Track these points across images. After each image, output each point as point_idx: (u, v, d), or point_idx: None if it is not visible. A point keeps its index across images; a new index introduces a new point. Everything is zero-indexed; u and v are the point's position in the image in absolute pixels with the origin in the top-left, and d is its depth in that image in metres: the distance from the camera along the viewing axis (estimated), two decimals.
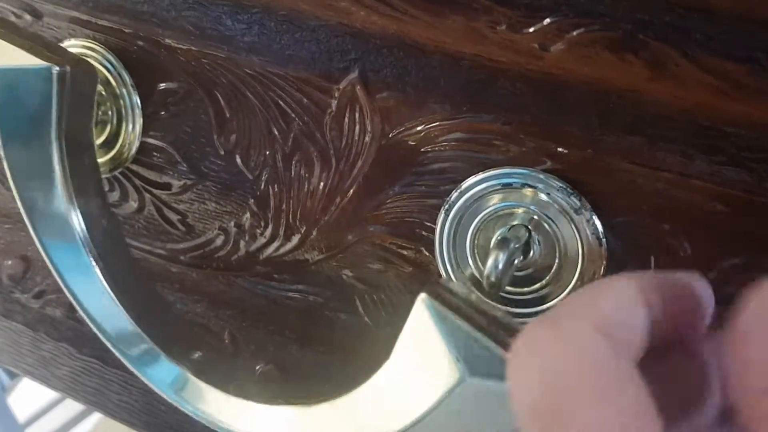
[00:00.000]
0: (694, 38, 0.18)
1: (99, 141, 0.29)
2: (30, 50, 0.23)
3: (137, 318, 0.24)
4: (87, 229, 0.26)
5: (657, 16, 0.18)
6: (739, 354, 0.12)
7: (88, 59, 0.28)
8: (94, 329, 0.25)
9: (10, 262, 0.35)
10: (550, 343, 0.12)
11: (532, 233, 0.23)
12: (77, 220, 0.26)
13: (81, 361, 0.35)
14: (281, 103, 0.25)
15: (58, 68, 0.23)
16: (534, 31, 0.19)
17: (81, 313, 0.25)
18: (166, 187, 0.29)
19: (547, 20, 0.19)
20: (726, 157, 0.20)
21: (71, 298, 0.26)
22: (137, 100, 0.28)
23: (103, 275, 0.25)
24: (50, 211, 0.26)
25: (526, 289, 0.24)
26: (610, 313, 0.13)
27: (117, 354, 0.24)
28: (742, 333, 0.12)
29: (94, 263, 0.26)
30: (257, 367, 0.31)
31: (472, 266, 0.24)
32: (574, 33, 0.19)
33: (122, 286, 0.25)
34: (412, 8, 0.21)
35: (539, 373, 0.12)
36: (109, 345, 0.25)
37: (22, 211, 0.27)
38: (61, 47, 0.25)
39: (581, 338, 0.12)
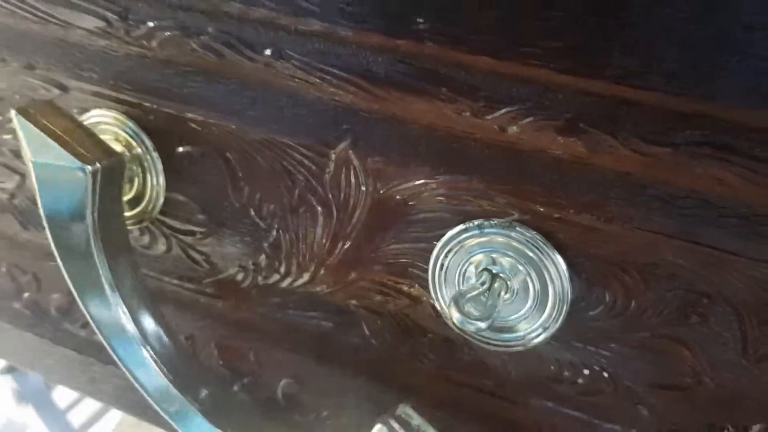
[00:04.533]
0: (623, 126, 0.21)
1: (128, 197, 0.33)
2: (66, 147, 0.27)
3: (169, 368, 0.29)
4: (115, 280, 0.30)
5: (592, 109, 0.21)
6: None
7: (110, 128, 0.32)
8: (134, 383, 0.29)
9: (56, 296, 0.39)
10: None
11: (506, 274, 0.27)
12: (108, 279, 0.30)
13: (125, 380, 0.39)
14: (286, 164, 0.29)
15: (90, 168, 0.27)
16: (492, 118, 0.23)
17: (123, 369, 0.29)
18: (190, 233, 0.33)
19: (503, 110, 0.23)
20: (659, 209, 0.23)
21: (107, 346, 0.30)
22: (159, 161, 0.32)
23: (136, 328, 0.29)
24: (88, 274, 0.30)
25: (512, 317, 0.28)
26: None
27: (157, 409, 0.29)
28: None
29: (126, 320, 0.30)
30: (281, 382, 0.35)
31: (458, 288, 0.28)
32: (525, 121, 0.22)
33: (147, 329, 0.29)
34: (390, 94, 0.25)
35: None
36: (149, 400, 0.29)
37: (64, 273, 0.31)
38: (96, 139, 0.29)
39: None
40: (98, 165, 0.27)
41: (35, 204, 0.36)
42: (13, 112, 0.28)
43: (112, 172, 0.28)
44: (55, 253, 0.30)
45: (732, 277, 0.24)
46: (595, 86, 0.21)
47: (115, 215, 0.30)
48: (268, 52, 0.25)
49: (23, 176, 0.36)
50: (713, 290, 0.24)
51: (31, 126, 0.28)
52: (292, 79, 0.26)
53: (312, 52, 0.25)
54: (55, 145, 0.27)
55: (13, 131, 0.35)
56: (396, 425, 0.22)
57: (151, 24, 0.27)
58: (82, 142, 0.28)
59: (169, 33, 0.27)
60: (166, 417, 0.29)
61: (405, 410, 0.24)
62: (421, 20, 0.22)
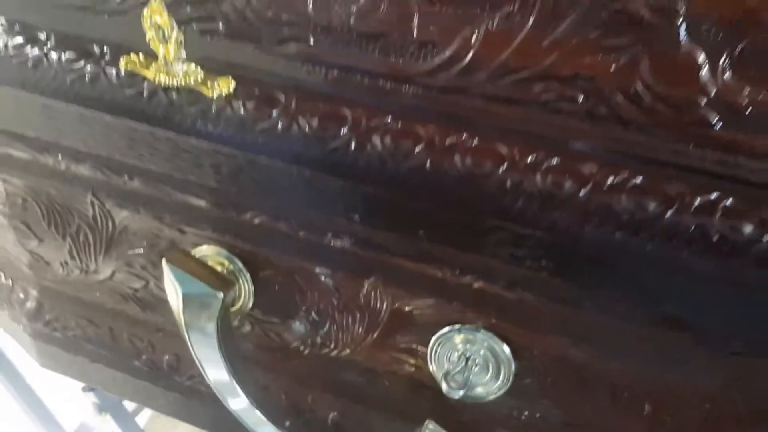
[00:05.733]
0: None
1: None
2: (203, 279, 0.44)
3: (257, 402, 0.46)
4: (226, 354, 0.47)
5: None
6: None
7: (215, 256, 0.49)
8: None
9: (167, 357, 0.56)
10: None
11: (473, 358, 0.44)
12: (223, 353, 0.47)
13: (214, 412, 0.56)
14: (335, 286, 0.46)
15: (222, 294, 0.43)
16: (458, 274, 0.40)
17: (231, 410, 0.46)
18: (269, 322, 0.50)
19: (469, 276, 0.40)
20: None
21: (219, 394, 0.47)
22: (249, 277, 0.49)
23: (236, 382, 0.46)
24: (210, 352, 0.47)
25: (479, 383, 0.45)
26: None
27: None
28: None
29: (230, 376, 0.47)
30: (330, 415, 0.52)
31: (446, 366, 0.45)
32: (477, 285, 0.40)
33: (245, 381, 0.46)
34: (401, 259, 0.42)
35: None
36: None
37: (192, 351, 0.47)
38: (217, 272, 0.46)
39: None
40: (226, 292, 0.44)
41: (152, 297, 0.53)
42: (164, 261, 0.45)
43: (232, 294, 0.45)
44: (188, 340, 0.47)
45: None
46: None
47: (227, 316, 0.47)
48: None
49: (147, 282, 0.53)
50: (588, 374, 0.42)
51: (179, 269, 0.45)
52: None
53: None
54: (199, 281, 0.44)
55: (141, 254, 0.52)
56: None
57: (249, 214, 0.44)
58: (210, 275, 0.45)
59: (259, 219, 0.44)
60: None
61: (430, 424, 0.41)
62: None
